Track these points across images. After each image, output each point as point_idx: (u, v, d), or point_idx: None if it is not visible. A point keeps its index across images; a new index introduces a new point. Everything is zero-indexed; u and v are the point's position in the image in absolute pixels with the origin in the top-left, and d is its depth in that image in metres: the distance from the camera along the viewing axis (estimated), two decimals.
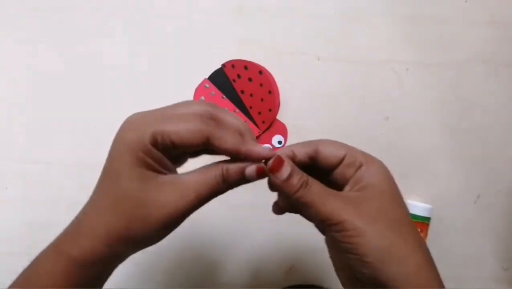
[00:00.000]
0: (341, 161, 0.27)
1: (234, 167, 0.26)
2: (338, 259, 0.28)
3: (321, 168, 0.28)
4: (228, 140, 0.25)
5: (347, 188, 0.27)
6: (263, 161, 0.27)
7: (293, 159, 0.27)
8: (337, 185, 0.27)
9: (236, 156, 0.26)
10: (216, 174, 0.26)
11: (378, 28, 0.46)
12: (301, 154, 0.27)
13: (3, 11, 0.48)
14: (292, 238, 0.47)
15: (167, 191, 0.25)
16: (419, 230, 0.45)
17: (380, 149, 0.46)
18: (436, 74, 0.46)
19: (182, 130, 0.24)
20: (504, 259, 0.46)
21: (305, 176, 0.26)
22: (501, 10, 0.46)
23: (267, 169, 0.26)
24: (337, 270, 0.28)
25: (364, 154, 0.27)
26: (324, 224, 0.25)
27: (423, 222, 0.45)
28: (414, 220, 0.45)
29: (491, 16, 0.46)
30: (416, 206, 0.45)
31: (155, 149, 0.24)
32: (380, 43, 0.46)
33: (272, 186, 0.27)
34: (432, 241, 0.46)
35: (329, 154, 0.27)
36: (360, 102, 0.47)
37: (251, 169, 0.26)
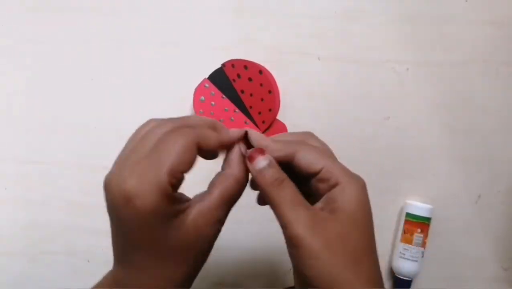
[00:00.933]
0: (315, 174, 0.26)
1: (235, 158, 0.27)
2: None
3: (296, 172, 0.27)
4: (212, 137, 0.25)
5: (318, 204, 0.26)
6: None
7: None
8: (309, 195, 0.26)
9: (220, 149, 0.26)
10: (232, 181, 0.26)
11: (378, 27, 0.46)
12: (275, 154, 0.26)
13: (2, 11, 0.48)
14: None
15: (203, 223, 0.25)
16: (419, 230, 0.44)
17: (381, 149, 0.46)
18: (436, 74, 0.46)
19: (180, 153, 0.23)
20: (504, 259, 0.46)
21: (282, 175, 0.25)
22: (502, 9, 0.46)
23: (247, 159, 0.26)
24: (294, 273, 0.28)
25: (343, 171, 0.26)
26: (283, 231, 0.25)
27: (424, 222, 0.45)
28: (414, 220, 0.45)
29: (491, 16, 0.46)
30: (417, 206, 0.45)
31: (174, 192, 0.23)
32: (380, 42, 0.46)
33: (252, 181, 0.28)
34: (433, 241, 0.45)
35: (304, 163, 0.26)
36: (360, 102, 0.47)
37: (238, 132, 0.27)
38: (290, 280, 0.48)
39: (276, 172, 0.25)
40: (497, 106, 0.46)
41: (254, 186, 0.29)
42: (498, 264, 0.46)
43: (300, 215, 0.24)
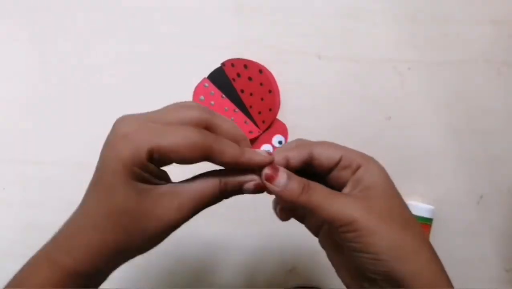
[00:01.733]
0: (336, 164, 0.26)
1: (233, 181, 0.26)
2: (342, 259, 0.28)
3: (315, 171, 0.27)
4: (227, 154, 0.25)
5: (346, 189, 0.26)
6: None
7: (287, 166, 0.26)
8: (332, 188, 0.27)
9: (233, 166, 0.26)
10: (214, 185, 0.25)
11: (379, 27, 0.46)
12: (295, 160, 0.27)
13: (2, 11, 0.48)
14: (293, 239, 0.47)
15: (164, 203, 0.25)
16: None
17: (382, 149, 0.46)
18: (438, 73, 0.46)
19: (180, 146, 0.23)
20: (506, 260, 0.46)
21: (304, 180, 0.26)
22: (504, 9, 0.46)
23: (263, 179, 0.26)
24: (340, 270, 0.28)
25: (360, 154, 0.27)
26: (332, 226, 0.25)
27: (425, 223, 0.44)
28: None
29: (493, 16, 0.46)
30: (418, 207, 0.45)
31: (151, 164, 0.24)
32: (381, 42, 0.46)
33: (266, 191, 0.27)
34: (434, 242, 0.44)
35: (324, 158, 0.26)
36: (361, 102, 0.46)
37: (249, 185, 0.26)
38: (290, 280, 0.48)
39: (298, 181, 0.25)
40: (499, 106, 0.46)
41: (280, 202, 0.29)
42: (500, 265, 0.46)
43: (343, 203, 0.25)
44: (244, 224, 0.47)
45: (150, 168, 0.24)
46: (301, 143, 0.28)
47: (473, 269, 0.46)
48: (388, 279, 0.24)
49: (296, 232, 0.47)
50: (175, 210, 0.25)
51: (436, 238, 0.45)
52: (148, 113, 0.26)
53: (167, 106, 0.26)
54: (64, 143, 0.48)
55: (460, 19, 0.46)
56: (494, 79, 0.46)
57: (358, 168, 0.26)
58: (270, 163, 0.26)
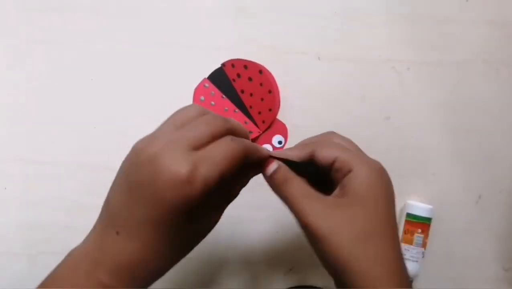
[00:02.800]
0: (331, 165, 0.27)
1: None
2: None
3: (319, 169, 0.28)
4: (259, 153, 0.27)
5: (335, 192, 0.27)
6: None
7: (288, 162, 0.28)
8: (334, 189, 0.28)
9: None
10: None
11: (379, 27, 0.46)
12: (294, 158, 0.28)
13: (3, 11, 0.48)
14: (292, 239, 0.47)
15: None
16: (419, 230, 0.44)
17: (381, 149, 0.46)
18: (437, 74, 0.46)
19: (230, 165, 0.24)
20: (505, 259, 0.46)
21: (289, 174, 0.27)
22: (502, 9, 0.46)
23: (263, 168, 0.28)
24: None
25: (357, 158, 0.27)
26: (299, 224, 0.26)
27: (424, 222, 0.44)
28: (415, 220, 0.44)
29: (492, 16, 0.46)
30: (417, 206, 0.45)
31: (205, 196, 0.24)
32: (380, 42, 0.46)
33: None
34: (433, 242, 0.45)
35: (321, 158, 0.28)
36: (360, 102, 0.46)
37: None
38: (290, 281, 0.48)
39: (283, 173, 0.27)
40: (498, 106, 0.46)
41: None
42: (499, 264, 0.46)
43: (309, 205, 0.26)
44: (244, 224, 0.47)
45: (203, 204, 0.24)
46: (306, 142, 0.30)
47: (472, 268, 0.46)
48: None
49: (295, 232, 0.47)
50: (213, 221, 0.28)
51: (435, 237, 0.45)
52: (180, 135, 0.25)
53: (195, 123, 0.26)
54: (64, 143, 0.48)
55: (459, 19, 0.46)
56: (493, 79, 0.46)
57: (348, 172, 0.27)
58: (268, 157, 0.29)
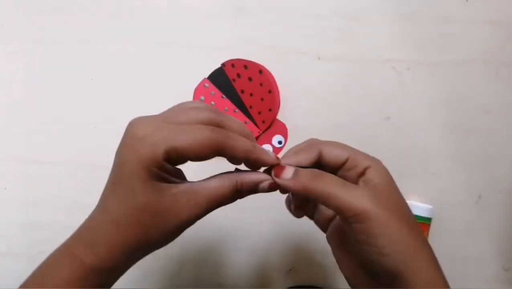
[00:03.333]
0: (343, 164, 0.27)
1: (248, 181, 0.27)
2: (347, 254, 0.29)
3: (324, 170, 0.28)
4: (240, 148, 0.26)
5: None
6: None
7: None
8: None
9: (243, 163, 0.27)
10: (230, 185, 0.27)
11: (379, 27, 0.46)
12: (306, 163, 0.28)
13: (3, 11, 0.48)
14: (292, 239, 0.47)
15: (182, 201, 0.26)
16: None
17: (381, 149, 0.46)
18: (437, 74, 0.46)
19: (194, 144, 0.25)
20: (505, 259, 0.46)
21: (315, 170, 0.27)
22: (502, 9, 0.46)
23: (273, 176, 0.27)
24: (343, 266, 0.29)
25: (367, 156, 0.28)
26: (343, 215, 0.25)
27: (424, 222, 0.44)
28: None
29: (492, 16, 0.46)
30: (417, 206, 0.45)
31: (168, 164, 0.25)
32: (380, 42, 0.46)
33: (281, 190, 0.28)
34: (433, 242, 0.45)
35: (332, 157, 0.28)
36: (360, 102, 0.46)
37: (264, 184, 0.28)
38: (290, 281, 0.48)
39: (306, 172, 0.27)
40: (498, 106, 0.46)
41: (285, 192, 0.30)
42: (499, 264, 0.46)
43: (357, 193, 0.25)
44: (244, 225, 0.47)
45: (167, 167, 0.25)
46: (311, 143, 0.29)
47: (472, 268, 0.46)
48: (389, 275, 0.25)
49: (295, 233, 0.47)
50: (192, 207, 0.26)
51: (435, 237, 0.45)
52: (161, 114, 0.27)
53: (178, 107, 0.27)
54: (64, 143, 0.48)
55: (459, 19, 0.46)
56: (493, 79, 0.46)
57: (366, 168, 0.27)
58: (278, 165, 0.28)
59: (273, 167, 0.28)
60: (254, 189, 0.28)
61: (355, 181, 0.27)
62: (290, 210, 0.32)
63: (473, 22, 0.46)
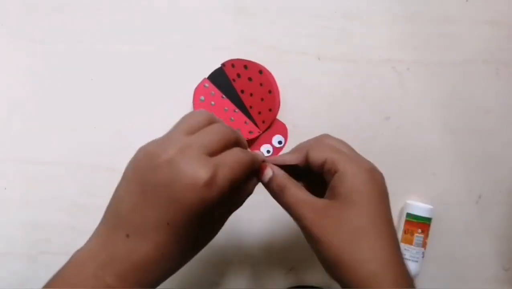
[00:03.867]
0: (322, 166, 0.28)
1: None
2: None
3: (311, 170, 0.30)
4: (260, 158, 0.29)
5: (326, 194, 0.28)
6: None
7: (286, 166, 0.30)
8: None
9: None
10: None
11: (379, 27, 0.46)
12: (293, 162, 0.30)
13: (2, 11, 0.48)
14: (292, 239, 0.47)
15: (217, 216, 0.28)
16: (419, 231, 0.44)
17: (381, 149, 0.46)
18: (437, 74, 0.46)
19: (242, 172, 0.26)
20: (505, 259, 0.46)
21: (284, 182, 0.29)
22: (503, 9, 0.46)
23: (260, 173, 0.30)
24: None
25: (347, 157, 0.28)
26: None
27: (424, 222, 0.44)
28: (415, 220, 0.44)
29: (492, 16, 0.46)
30: (417, 206, 0.45)
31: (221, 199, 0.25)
32: (380, 42, 0.46)
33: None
34: (433, 242, 0.45)
35: (312, 159, 0.29)
36: (360, 102, 0.46)
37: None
38: (290, 281, 0.48)
39: (279, 181, 0.29)
40: (497, 106, 0.46)
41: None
42: (499, 264, 0.46)
43: (303, 211, 0.27)
44: (244, 224, 0.47)
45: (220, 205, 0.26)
46: (301, 145, 0.31)
47: (472, 268, 0.46)
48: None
49: (295, 232, 0.47)
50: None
51: (435, 237, 0.45)
52: (194, 142, 0.25)
53: (209, 129, 0.27)
54: (64, 143, 0.48)
55: (459, 19, 0.46)
56: (493, 79, 0.46)
57: (335, 172, 0.27)
58: (264, 162, 0.30)
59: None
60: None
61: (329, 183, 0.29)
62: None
63: (473, 22, 0.46)
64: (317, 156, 0.28)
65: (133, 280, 0.24)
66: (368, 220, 0.26)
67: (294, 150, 0.31)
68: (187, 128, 0.26)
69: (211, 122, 0.27)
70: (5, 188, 0.48)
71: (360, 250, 0.25)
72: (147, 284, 0.25)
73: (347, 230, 0.26)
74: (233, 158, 0.26)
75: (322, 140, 0.31)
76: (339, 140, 0.31)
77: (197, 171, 0.23)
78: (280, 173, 0.29)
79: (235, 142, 0.27)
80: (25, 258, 0.48)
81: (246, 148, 0.29)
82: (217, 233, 0.29)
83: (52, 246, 0.48)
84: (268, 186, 0.30)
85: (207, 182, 0.23)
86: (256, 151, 0.31)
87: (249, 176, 0.29)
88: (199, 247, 0.28)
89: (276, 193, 0.29)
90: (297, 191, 0.28)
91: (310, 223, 0.27)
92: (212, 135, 0.26)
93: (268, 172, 0.29)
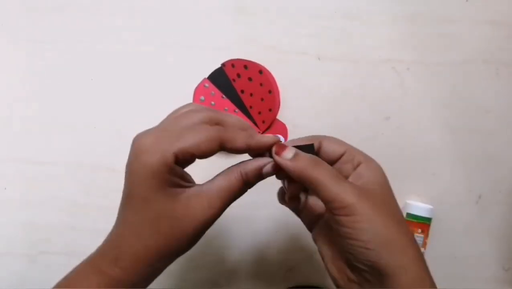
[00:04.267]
0: (340, 157, 0.29)
1: (251, 168, 0.28)
2: (333, 252, 0.29)
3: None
4: (239, 139, 0.27)
5: (350, 179, 0.28)
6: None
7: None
8: None
9: (246, 151, 0.28)
10: (237, 178, 0.27)
11: (379, 27, 0.46)
12: (302, 142, 0.29)
13: (2, 11, 0.48)
14: (292, 238, 0.47)
15: (195, 203, 0.26)
16: (419, 231, 0.44)
17: (381, 149, 0.46)
18: (437, 74, 0.46)
19: (199, 142, 0.25)
20: (505, 259, 0.46)
21: (314, 157, 0.28)
22: (502, 9, 0.46)
23: (273, 154, 0.28)
24: (329, 264, 0.29)
25: (362, 153, 0.29)
26: (330, 206, 0.26)
27: (424, 222, 0.44)
28: (415, 220, 0.44)
29: (492, 16, 0.46)
30: (417, 206, 0.45)
31: (178, 167, 0.26)
32: (380, 42, 0.46)
33: (281, 172, 0.28)
34: (433, 242, 0.45)
35: (330, 150, 0.29)
36: (360, 102, 0.46)
37: (267, 167, 0.28)
38: (290, 280, 0.48)
39: (306, 156, 0.27)
40: (497, 106, 0.46)
41: (282, 176, 0.30)
42: (499, 264, 0.46)
43: (347, 187, 0.26)
44: (244, 224, 0.47)
45: (177, 171, 0.26)
46: (312, 136, 0.30)
47: (472, 268, 0.46)
48: (374, 271, 0.25)
49: (295, 232, 0.47)
50: (207, 208, 0.26)
51: (435, 237, 0.45)
52: (160, 124, 0.27)
53: (175, 113, 0.28)
54: (64, 143, 0.48)
55: (459, 19, 0.46)
56: (493, 79, 0.46)
57: (359, 164, 0.28)
58: (277, 142, 0.28)
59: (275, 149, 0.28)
60: (259, 174, 0.28)
61: (349, 174, 0.28)
62: (282, 201, 0.32)
63: (473, 22, 0.46)
64: (334, 147, 0.29)
65: (114, 261, 0.26)
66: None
67: (302, 139, 0.30)
68: (169, 116, 0.28)
69: (195, 109, 0.28)
70: (5, 188, 0.48)
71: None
72: (128, 267, 0.26)
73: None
74: (189, 131, 0.26)
75: (324, 137, 0.31)
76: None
77: (141, 140, 0.26)
78: (303, 153, 0.28)
79: (211, 121, 0.27)
80: (25, 258, 0.48)
81: (242, 128, 0.28)
82: (207, 216, 0.27)
83: (52, 246, 0.48)
84: (294, 160, 0.27)
85: (146, 148, 0.25)
86: (264, 134, 0.30)
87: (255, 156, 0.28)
88: (175, 228, 0.26)
89: (308, 167, 0.26)
90: (330, 167, 0.27)
91: (356, 200, 0.25)
92: (179, 114, 0.27)
93: (289, 151, 0.27)
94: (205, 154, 0.26)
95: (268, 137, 0.28)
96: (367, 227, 0.25)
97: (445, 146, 0.46)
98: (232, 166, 0.28)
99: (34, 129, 0.48)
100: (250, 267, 0.48)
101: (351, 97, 0.46)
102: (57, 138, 0.48)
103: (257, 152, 0.28)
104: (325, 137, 0.30)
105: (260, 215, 0.47)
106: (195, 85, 0.47)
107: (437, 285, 0.47)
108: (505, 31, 0.46)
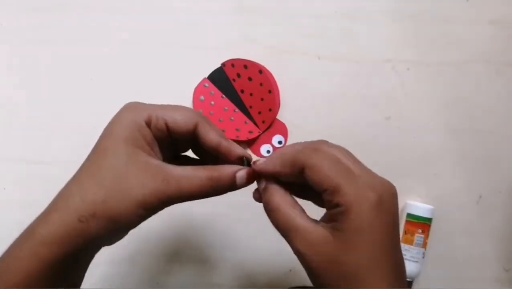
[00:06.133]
0: (322, 191, 0.24)
1: (225, 173, 0.26)
2: None
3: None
4: (213, 132, 0.27)
5: (323, 217, 0.25)
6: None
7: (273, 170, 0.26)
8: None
9: (215, 152, 0.27)
10: (205, 175, 0.25)
11: (379, 27, 0.46)
12: (281, 175, 0.26)
13: (3, 11, 0.48)
14: None
15: (151, 172, 0.24)
16: (420, 231, 0.44)
17: (381, 149, 0.46)
18: (437, 74, 0.46)
19: (175, 115, 0.26)
20: (505, 259, 0.46)
21: (276, 200, 0.26)
22: (503, 9, 0.46)
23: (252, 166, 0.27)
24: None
25: (350, 185, 0.23)
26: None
27: (425, 222, 0.44)
28: (415, 220, 0.44)
29: (492, 16, 0.46)
30: (418, 206, 0.45)
31: (148, 128, 0.25)
32: (381, 42, 0.46)
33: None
34: (434, 242, 0.45)
35: (310, 181, 0.24)
36: (360, 102, 0.46)
37: (241, 173, 0.26)
38: (290, 282, 0.48)
39: (268, 198, 0.27)
40: (498, 106, 0.46)
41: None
42: (500, 264, 0.46)
43: (297, 241, 0.25)
44: (244, 224, 0.47)
45: (147, 133, 0.25)
46: (295, 150, 0.25)
47: (472, 269, 0.46)
48: None
49: None
50: (159, 182, 0.24)
51: (436, 237, 0.45)
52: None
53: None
54: (64, 143, 0.48)
55: (460, 19, 0.46)
56: (494, 79, 0.46)
57: (337, 205, 0.23)
58: (246, 156, 0.27)
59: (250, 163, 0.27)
60: (231, 183, 0.26)
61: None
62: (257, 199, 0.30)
63: (473, 22, 0.46)
64: (317, 178, 0.23)
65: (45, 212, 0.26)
66: (370, 260, 0.23)
67: (286, 158, 0.25)
68: None
69: None
70: (5, 188, 0.48)
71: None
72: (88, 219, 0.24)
73: (345, 272, 0.23)
74: (172, 105, 0.27)
75: (320, 148, 0.25)
76: (339, 148, 0.25)
77: (126, 106, 0.27)
78: (274, 187, 0.26)
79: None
80: None
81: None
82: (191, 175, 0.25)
83: None
84: (262, 199, 0.27)
85: (125, 108, 0.27)
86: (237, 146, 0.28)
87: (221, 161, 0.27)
88: (116, 180, 0.24)
89: (267, 210, 0.26)
90: (289, 213, 0.25)
91: (303, 254, 0.24)
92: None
93: (261, 184, 0.26)
94: (179, 130, 0.26)
95: (240, 148, 0.27)
96: (312, 279, 0.26)
97: (445, 146, 0.46)
98: (207, 166, 0.26)
99: (34, 129, 0.48)
100: (251, 267, 0.48)
101: (351, 97, 0.46)
102: (57, 138, 0.48)
103: (224, 155, 0.27)
104: (307, 159, 0.24)
105: (260, 216, 0.47)
106: (195, 85, 0.47)
107: (437, 285, 0.47)
108: (505, 31, 0.46)
